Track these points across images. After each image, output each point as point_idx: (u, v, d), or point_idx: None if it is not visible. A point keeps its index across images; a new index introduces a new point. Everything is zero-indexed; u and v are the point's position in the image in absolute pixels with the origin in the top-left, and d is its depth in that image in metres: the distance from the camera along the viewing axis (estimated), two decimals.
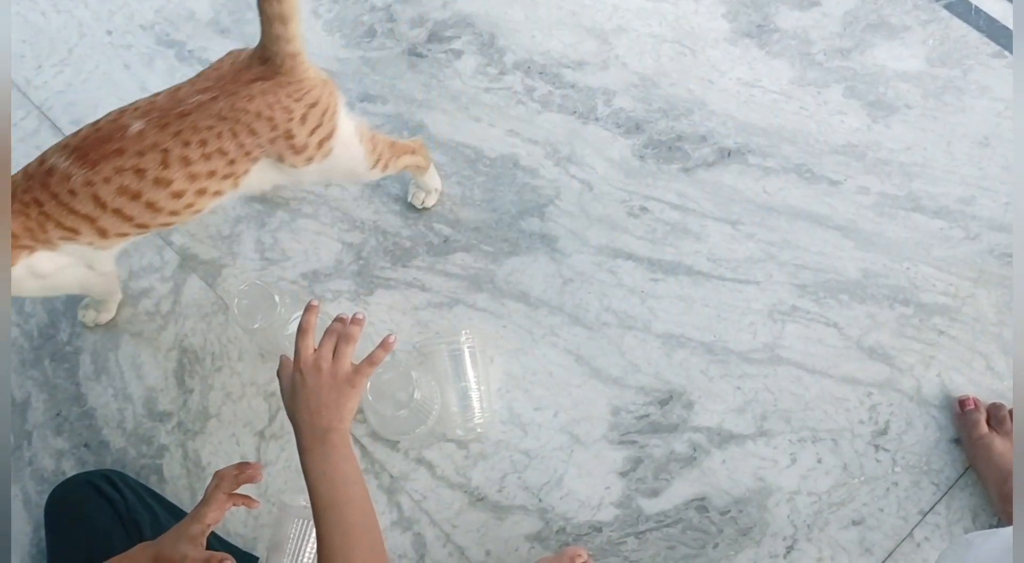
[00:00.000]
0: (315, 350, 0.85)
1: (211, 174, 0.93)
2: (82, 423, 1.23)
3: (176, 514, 1.08)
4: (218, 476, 0.95)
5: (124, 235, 0.97)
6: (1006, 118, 1.29)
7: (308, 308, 0.87)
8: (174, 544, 0.88)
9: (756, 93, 1.34)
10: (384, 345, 0.86)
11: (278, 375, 0.88)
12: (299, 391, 0.83)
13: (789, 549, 1.09)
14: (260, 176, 0.98)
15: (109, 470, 1.13)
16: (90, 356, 1.27)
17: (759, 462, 1.13)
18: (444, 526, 1.13)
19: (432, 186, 1.26)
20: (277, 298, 1.08)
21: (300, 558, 1.04)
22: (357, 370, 0.84)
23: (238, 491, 0.97)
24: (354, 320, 0.87)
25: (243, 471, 0.95)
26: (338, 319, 0.88)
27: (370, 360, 0.85)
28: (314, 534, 1.04)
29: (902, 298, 1.20)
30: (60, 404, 1.25)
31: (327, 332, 0.87)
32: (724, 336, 1.20)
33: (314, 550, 1.04)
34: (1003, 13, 1.36)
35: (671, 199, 1.28)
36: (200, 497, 1.16)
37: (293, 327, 1.03)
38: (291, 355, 0.87)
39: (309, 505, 1.05)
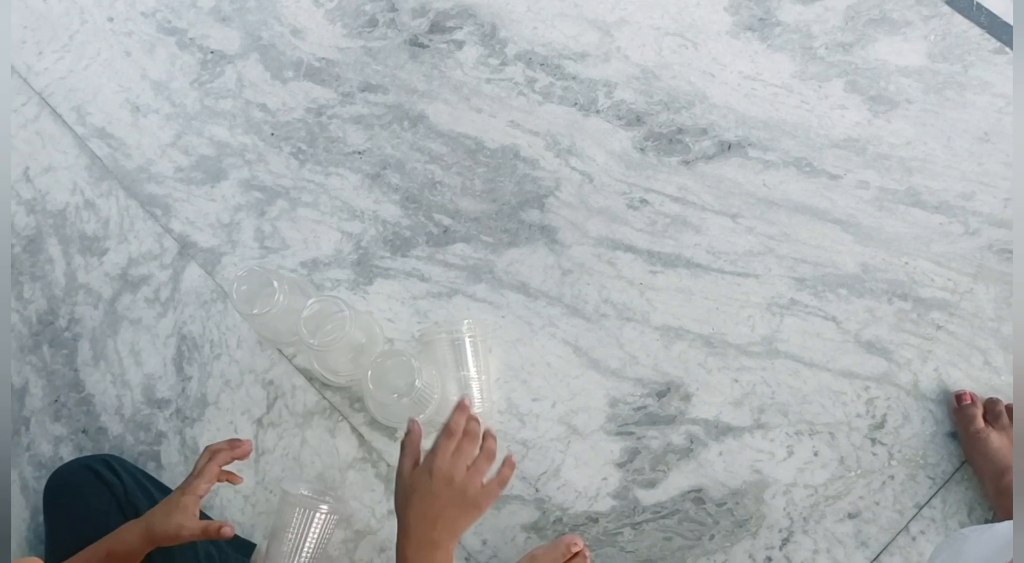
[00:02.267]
0: (451, 454, 0.81)
1: None
2: (80, 409, 1.24)
3: None
4: (211, 450, 0.94)
5: None
6: (1006, 114, 1.29)
7: (459, 407, 0.83)
8: (166, 517, 0.87)
9: (757, 86, 1.34)
10: (508, 464, 0.83)
11: (401, 460, 0.83)
12: (422, 496, 0.79)
13: (785, 541, 1.09)
14: None
15: (108, 455, 1.13)
16: (89, 342, 1.27)
17: (756, 454, 1.13)
18: None
19: None
20: (276, 284, 1.08)
21: (302, 547, 1.05)
22: (487, 491, 0.80)
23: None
24: (489, 434, 0.84)
25: (235, 447, 0.94)
26: (473, 419, 0.84)
27: (500, 481, 0.82)
28: (317, 524, 1.04)
29: (901, 293, 1.20)
30: (58, 390, 1.25)
31: (465, 434, 0.82)
32: (722, 329, 1.20)
33: (316, 540, 1.04)
34: (1004, 9, 1.36)
35: (671, 192, 1.28)
36: None
37: (307, 313, 1.05)
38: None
39: (311, 494, 1.06)
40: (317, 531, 1.05)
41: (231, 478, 0.97)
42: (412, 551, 0.77)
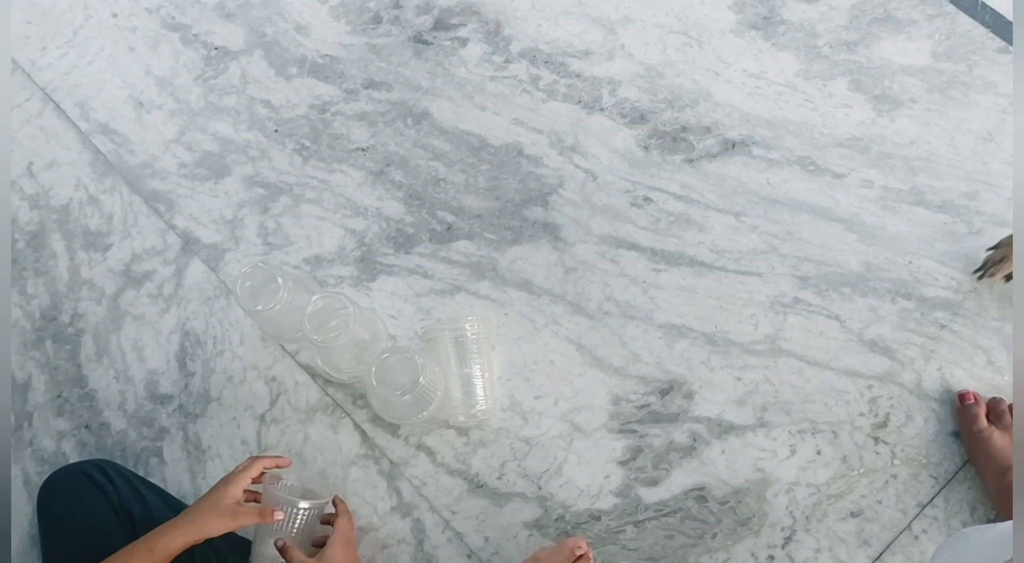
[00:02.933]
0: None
1: None
2: (83, 404, 1.24)
3: (169, 502, 1.08)
4: (254, 457, 1.02)
5: None
6: (1010, 113, 1.29)
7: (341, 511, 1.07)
8: (218, 516, 0.93)
9: (761, 85, 1.34)
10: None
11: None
12: None
13: (787, 540, 1.09)
14: None
15: (101, 460, 1.12)
16: (92, 338, 1.27)
17: (759, 453, 1.13)
18: (443, 512, 1.13)
19: None
20: (280, 281, 1.08)
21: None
22: None
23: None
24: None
25: (277, 458, 1.06)
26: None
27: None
28: (300, 516, 1.03)
29: (904, 292, 1.20)
30: (61, 385, 1.25)
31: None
32: (725, 327, 1.20)
33: (300, 531, 1.03)
34: (1008, 8, 1.36)
35: (675, 190, 1.28)
36: (200, 480, 1.17)
37: (311, 309, 1.07)
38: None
39: (291, 485, 1.05)
40: (300, 528, 1.03)
41: (279, 463, 1.05)
42: None
